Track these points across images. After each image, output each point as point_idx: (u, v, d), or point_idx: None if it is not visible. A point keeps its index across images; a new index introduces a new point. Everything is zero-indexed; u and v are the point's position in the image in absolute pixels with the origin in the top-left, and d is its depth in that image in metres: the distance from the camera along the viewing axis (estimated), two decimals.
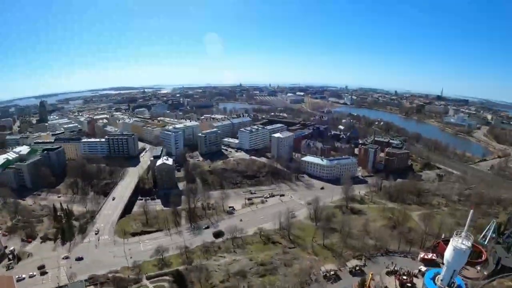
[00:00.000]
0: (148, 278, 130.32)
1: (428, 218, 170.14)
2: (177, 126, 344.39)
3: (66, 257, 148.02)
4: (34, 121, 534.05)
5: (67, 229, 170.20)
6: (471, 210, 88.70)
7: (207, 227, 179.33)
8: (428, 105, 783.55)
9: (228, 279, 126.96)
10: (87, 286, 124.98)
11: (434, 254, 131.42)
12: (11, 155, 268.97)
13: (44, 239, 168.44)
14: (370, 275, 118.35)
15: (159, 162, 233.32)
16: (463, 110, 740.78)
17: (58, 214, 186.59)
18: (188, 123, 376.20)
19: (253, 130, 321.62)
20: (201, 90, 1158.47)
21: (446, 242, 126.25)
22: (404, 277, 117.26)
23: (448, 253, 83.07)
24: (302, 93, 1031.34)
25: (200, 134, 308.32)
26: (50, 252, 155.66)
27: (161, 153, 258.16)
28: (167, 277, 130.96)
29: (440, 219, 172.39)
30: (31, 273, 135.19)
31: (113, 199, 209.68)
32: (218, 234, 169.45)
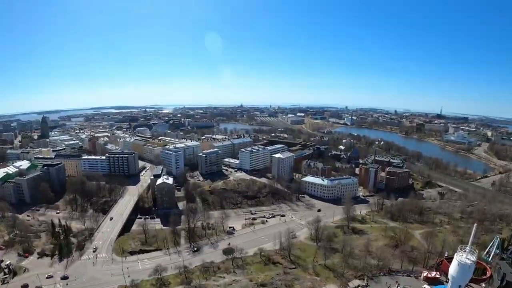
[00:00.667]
0: None
1: (430, 236, 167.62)
2: (178, 145, 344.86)
3: (50, 276, 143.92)
4: (35, 137, 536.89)
5: (64, 245, 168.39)
6: (475, 225, 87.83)
7: (196, 250, 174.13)
8: (428, 124, 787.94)
9: None
10: None
11: (438, 273, 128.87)
12: (11, 169, 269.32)
13: (41, 254, 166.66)
14: None
15: (159, 181, 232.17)
16: (463, 127, 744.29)
17: (56, 230, 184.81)
18: (189, 143, 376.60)
19: (254, 150, 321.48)
20: (202, 111, 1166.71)
21: (449, 260, 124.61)
22: None
23: (452, 268, 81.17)
24: (302, 114, 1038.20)
25: (200, 154, 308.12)
26: (46, 268, 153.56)
27: (161, 172, 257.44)
28: None
29: (442, 237, 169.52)
30: None
31: (110, 219, 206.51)
32: (228, 252, 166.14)
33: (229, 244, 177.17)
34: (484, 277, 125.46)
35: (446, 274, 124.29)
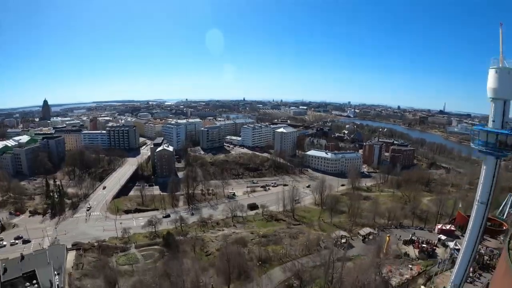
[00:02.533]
0: (137, 247, 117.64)
1: (440, 200, 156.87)
2: (180, 121, 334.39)
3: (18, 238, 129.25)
4: (37, 119, 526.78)
5: (57, 203, 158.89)
6: None
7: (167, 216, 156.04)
8: (431, 117, 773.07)
9: (226, 247, 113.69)
10: (70, 251, 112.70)
11: (452, 225, 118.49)
12: (10, 143, 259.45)
13: (33, 213, 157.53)
14: (387, 237, 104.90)
15: (159, 149, 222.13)
16: (466, 121, 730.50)
17: (50, 189, 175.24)
18: (191, 119, 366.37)
19: (256, 127, 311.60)
20: (204, 103, 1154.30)
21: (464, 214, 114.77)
22: (424, 245, 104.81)
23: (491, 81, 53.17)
24: (305, 107, 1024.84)
25: (202, 129, 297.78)
26: (37, 225, 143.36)
27: (161, 142, 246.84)
28: (157, 247, 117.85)
29: (453, 202, 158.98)
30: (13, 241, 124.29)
31: (103, 188, 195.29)
32: (253, 207, 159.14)
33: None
34: (502, 229, 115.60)
35: (461, 227, 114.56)
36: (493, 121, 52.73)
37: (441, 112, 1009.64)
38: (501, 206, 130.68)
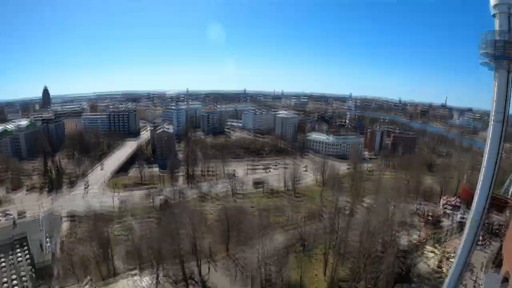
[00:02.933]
0: (133, 216, 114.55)
1: (443, 178, 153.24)
2: (181, 106, 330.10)
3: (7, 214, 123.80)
4: (37, 107, 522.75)
5: (55, 180, 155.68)
6: None
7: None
8: (433, 111, 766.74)
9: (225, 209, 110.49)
10: (65, 222, 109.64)
11: (458, 199, 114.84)
12: (10, 126, 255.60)
13: (30, 189, 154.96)
14: (392, 207, 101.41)
15: (159, 130, 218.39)
16: (468, 115, 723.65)
17: (48, 166, 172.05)
18: (192, 104, 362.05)
19: (257, 112, 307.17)
20: (205, 94, 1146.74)
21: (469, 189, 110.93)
22: (430, 217, 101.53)
23: None
24: (306, 99, 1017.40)
25: (203, 113, 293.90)
26: (33, 201, 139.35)
27: (162, 124, 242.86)
28: (154, 217, 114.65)
29: (456, 182, 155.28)
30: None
31: (101, 169, 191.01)
32: (257, 183, 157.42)
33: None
34: (508, 204, 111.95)
35: (466, 202, 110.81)
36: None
37: (443, 106, 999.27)
38: (505, 185, 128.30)
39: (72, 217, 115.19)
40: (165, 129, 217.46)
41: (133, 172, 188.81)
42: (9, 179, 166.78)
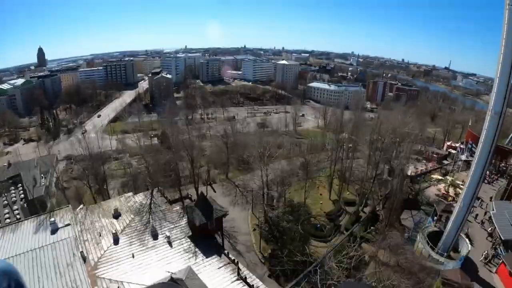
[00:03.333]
0: (131, 155, 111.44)
1: (447, 123, 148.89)
2: (179, 55, 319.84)
3: None
4: (32, 68, 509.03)
5: (52, 130, 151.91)
6: None
7: None
8: (436, 71, 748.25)
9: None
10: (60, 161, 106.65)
11: (462, 143, 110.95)
12: (5, 86, 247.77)
13: (27, 141, 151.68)
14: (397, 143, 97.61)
15: (157, 76, 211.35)
16: (472, 78, 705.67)
17: (45, 117, 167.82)
18: (191, 54, 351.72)
19: (258, 60, 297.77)
20: (204, 50, 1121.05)
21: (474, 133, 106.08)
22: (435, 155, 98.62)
23: None
24: (307, 54, 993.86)
25: (202, 61, 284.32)
26: (30, 151, 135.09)
27: (160, 71, 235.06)
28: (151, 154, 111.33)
29: (460, 132, 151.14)
30: None
31: (98, 116, 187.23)
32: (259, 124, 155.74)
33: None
34: None
35: (471, 145, 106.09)
36: None
37: (446, 68, 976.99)
38: (509, 136, 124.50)
39: (69, 158, 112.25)
40: (163, 75, 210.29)
41: (131, 118, 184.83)
42: (6, 134, 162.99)
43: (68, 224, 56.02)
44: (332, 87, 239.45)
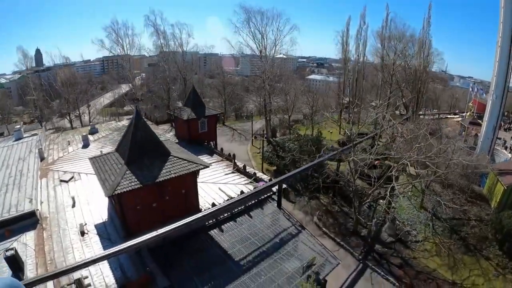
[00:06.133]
0: None
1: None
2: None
3: None
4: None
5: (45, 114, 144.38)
6: None
7: None
8: (433, 72, 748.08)
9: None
10: None
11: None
12: (2, 80, 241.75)
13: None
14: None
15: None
16: (469, 80, 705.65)
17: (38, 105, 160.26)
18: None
19: (256, 56, 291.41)
20: None
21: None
22: None
23: None
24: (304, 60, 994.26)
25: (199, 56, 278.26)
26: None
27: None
28: None
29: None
30: None
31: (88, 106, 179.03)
32: None
33: None
34: None
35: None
36: None
37: (443, 71, 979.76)
38: None
39: None
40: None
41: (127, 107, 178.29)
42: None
43: (35, 134, 50.89)
44: (331, 78, 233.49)
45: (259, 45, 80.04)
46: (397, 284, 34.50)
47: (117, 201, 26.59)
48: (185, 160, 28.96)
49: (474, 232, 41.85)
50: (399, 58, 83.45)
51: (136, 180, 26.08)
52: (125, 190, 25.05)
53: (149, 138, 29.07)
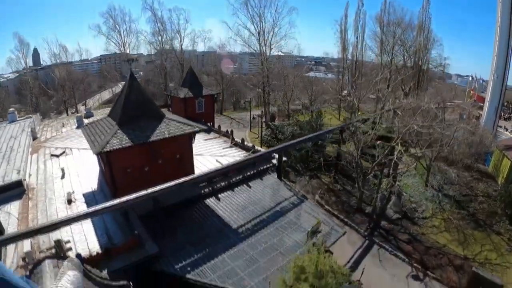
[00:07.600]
0: None
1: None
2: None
3: None
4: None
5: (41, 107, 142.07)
6: None
7: None
8: (431, 71, 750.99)
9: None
10: None
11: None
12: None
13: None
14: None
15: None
16: (467, 78, 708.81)
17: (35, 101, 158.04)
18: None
19: (255, 54, 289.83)
20: None
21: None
22: None
23: None
24: (302, 59, 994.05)
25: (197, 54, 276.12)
26: None
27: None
28: None
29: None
30: None
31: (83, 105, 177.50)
32: None
33: None
34: None
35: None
36: None
37: (441, 71, 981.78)
38: None
39: None
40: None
41: None
42: None
43: (30, 117, 49.06)
44: (329, 75, 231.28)
45: (257, 26, 78.12)
46: (406, 259, 32.73)
47: (106, 162, 24.45)
48: (180, 122, 27.08)
49: (483, 208, 40.23)
50: (397, 44, 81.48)
51: (127, 138, 24.03)
52: (115, 148, 23.04)
53: (143, 100, 27.12)
